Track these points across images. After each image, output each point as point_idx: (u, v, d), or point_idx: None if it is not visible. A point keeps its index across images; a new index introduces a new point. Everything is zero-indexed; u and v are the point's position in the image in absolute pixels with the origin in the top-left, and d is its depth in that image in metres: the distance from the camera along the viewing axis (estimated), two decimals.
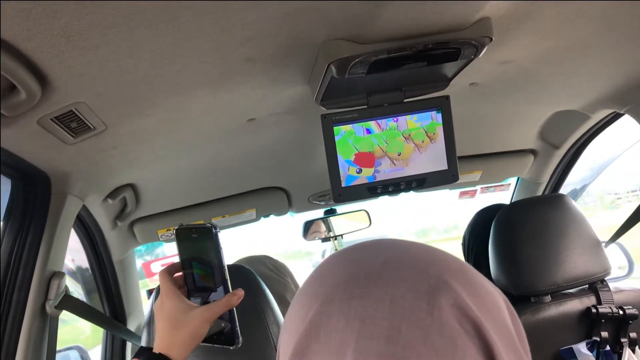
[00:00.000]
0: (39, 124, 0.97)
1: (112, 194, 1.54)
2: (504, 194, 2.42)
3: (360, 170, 1.28)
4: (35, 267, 1.24)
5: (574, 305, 1.48)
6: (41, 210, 1.25)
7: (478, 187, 2.36)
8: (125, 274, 1.98)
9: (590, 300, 1.48)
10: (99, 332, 2.03)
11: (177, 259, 0.93)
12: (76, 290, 2.14)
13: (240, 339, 0.88)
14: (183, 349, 0.84)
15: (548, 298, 1.47)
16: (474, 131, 1.79)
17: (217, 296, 0.88)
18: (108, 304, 1.92)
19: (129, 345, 2.05)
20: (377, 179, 1.29)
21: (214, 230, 0.84)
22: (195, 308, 0.85)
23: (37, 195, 1.24)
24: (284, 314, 1.31)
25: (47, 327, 1.31)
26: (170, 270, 0.90)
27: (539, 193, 2.27)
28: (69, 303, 1.35)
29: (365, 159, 1.28)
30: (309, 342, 0.44)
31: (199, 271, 0.89)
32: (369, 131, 1.27)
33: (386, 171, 1.30)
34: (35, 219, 1.24)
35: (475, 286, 0.46)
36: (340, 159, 1.27)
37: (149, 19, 0.76)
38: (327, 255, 2.12)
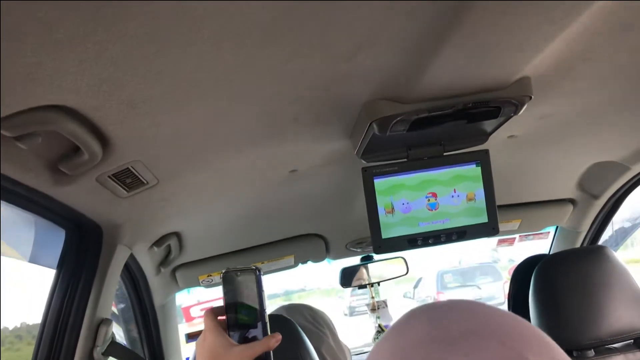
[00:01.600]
0: (97, 181, 1.02)
1: (158, 242, 1.59)
2: (542, 242, 2.40)
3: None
4: (85, 314, 1.29)
5: None
6: (92, 260, 1.30)
7: (517, 235, 2.34)
8: (165, 319, 2.02)
9: (635, 357, 1.45)
10: None
11: (216, 303, 0.95)
12: (117, 333, 2.18)
13: None
14: None
15: (591, 353, 1.45)
16: (512, 181, 1.79)
17: (257, 336, 0.90)
18: (148, 348, 1.95)
19: None
20: (418, 231, 1.31)
21: (257, 273, 0.87)
22: (236, 346, 0.86)
23: (89, 246, 1.29)
24: None
25: None
26: (215, 310, 0.93)
27: (579, 242, 2.24)
28: (115, 349, 1.39)
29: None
30: None
31: (241, 314, 0.91)
32: None
33: (426, 223, 1.31)
34: (87, 268, 1.29)
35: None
36: (382, 210, 1.29)
37: (204, 87, 0.81)
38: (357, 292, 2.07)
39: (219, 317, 0.91)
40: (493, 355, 0.42)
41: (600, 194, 1.95)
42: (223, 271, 0.92)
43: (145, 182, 1.12)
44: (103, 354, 1.34)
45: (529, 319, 1.53)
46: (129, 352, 1.49)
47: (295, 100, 0.96)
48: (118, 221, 1.30)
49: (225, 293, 0.92)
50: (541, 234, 2.35)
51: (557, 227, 2.35)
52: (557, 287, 1.48)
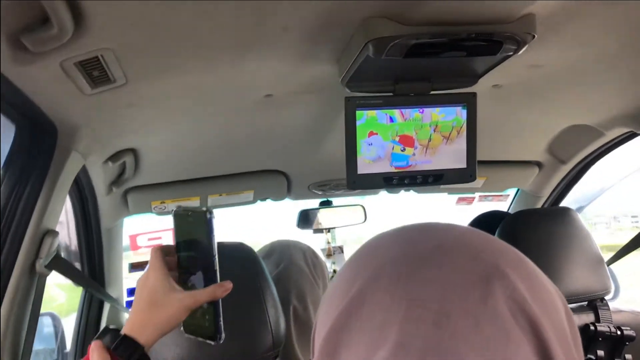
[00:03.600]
0: (61, 67, 0.91)
1: (114, 157, 1.49)
2: (500, 205, 2.41)
3: (404, 149, 1.25)
4: (30, 222, 1.18)
5: None
6: (43, 163, 1.19)
7: (477, 195, 2.34)
8: (110, 243, 1.92)
9: (588, 318, 1.47)
10: (73, 301, 1.98)
11: (167, 235, 0.89)
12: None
13: (223, 335, 0.84)
14: (154, 331, 0.80)
15: None
16: (484, 135, 1.76)
17: (205, 283, 0.84)
18: (89, 271, 1.86)
19: (104, 316, 1.99)
20: (395, 170, 1.26)
21: (207, 216, 0.81)
22: (178, 292, 0.81)
23: (41, 147, 1.18)
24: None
25: (35, 285, 1.26)
26: (164, 249, 0.86)
27: (538, 207, 2.26)
28: (59, 264, 1.30)
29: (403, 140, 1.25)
30: (349, 317, 0.43)
31: (191, 257, 0.85)
32: (392, 119, 1.24)
33: (412, 162, 1.27)
34: (36, 171, 1.18)
35: (534, 280, 0.43)
36: (360, 144, 1.23)
37: None
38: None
39: (168, 257, 0.85)
40: (468, 268, 0.42)
41: (568, 159, 1.96)
42: (173, 209, 0.85)
43: (112, 79, 1.01)
44: (46, 266, 1.25)
45: None
46: (73, 269, 1.40)
47: (287, 6, 0.88)
48: (76, 123, 1.19)
49: (176, 232, 0.86)
50: (500, 195, 2.36)
51: (517, 190, 2.36)
52: (520, 244, 1.48)
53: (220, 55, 1.06)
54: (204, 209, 0.82)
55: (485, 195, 2.34)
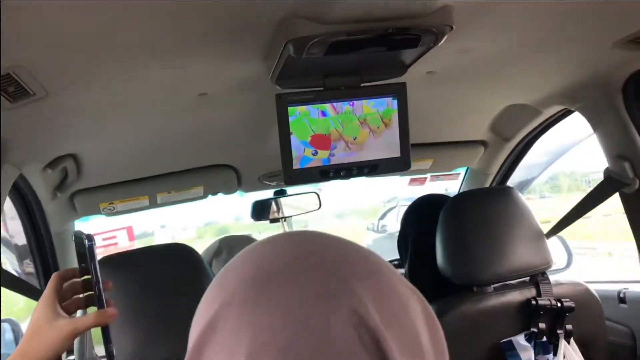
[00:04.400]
0: None
1: (52, 164, 1.47)
2: (452, 183, 2.45)
3: (316, 152, 1.26)
4: None
5: (515, 297, 1.51)
6: None
7: (428, 175, 2.37)
8: (64, 247, 1.91)
9: (530, 292, 1.51)
10: (32, 305, 1.96)
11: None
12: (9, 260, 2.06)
13: None
14: (36, 351, 0.78)
15: (490, 288, 1.50)
16: (427, 119, 1.79)
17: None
18: (44, 276, 1.85)
19: None
20: (331, 163, 1.27)
21: (84, 241, 0.80)
22: (61, 319, 0.79)
23: None
24: None
25: None
26: (64, 274, 0.85)
27: (487, 184, 2.30)
28: (2, 278, 1.29)
29: (321, 141, 1.26)
30: (206, 341, 0.43)
31: (87, 280, 0.86)
32: (324, 114, 1.25)
33: (340, 155, 1.28)
34: None
35: (384, 290, 0.44)
36: (295, 140, 1.24)
37: None
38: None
39: (73, 280, 0.84)
40: (316, 286, 0.42)
41: (511, 136, 2.00)
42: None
43: (31, 92, 1.00)
44: None
45: (431, 255, 1.56)
46: (15, 279, 1.39)
47: (202, 13, 0.88)
48: (2, 136, 1.17)
49: (77, 257, 0.86)
50: (451, 174, 2.39)
51: (467, 169, 2.40)
52: (464, 224, 1.52)
53: (145, 61, 1.05)
54: (84, 234, 0.81)
55: (436, 175, 2.37)
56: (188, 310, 1.17)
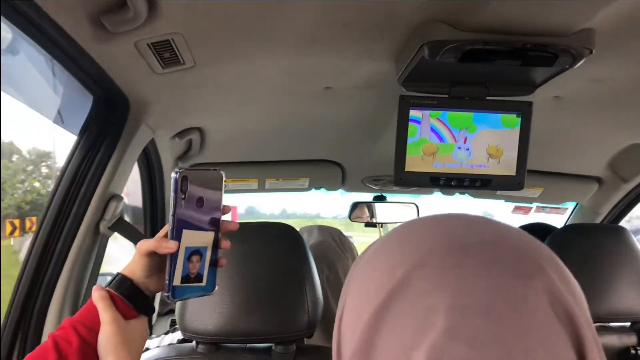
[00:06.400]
0: (135, 47, 1.00)
1: (181, 134, 1.58)
2: (558, 218, 2.37)
3: (430, 159, 1.28)
4: (99, 185, 1.29)
5: (612, 341, 1.45)
6: (115, 133, 1.29)
7: (534, 205, 2.31)
8: None
9: (630, 340, 1.45)
10: None
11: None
12: None
13: (169, 293, 0.85)
14: (130, 266, 0.89)
15: None
16: (544, 146, 1.75)
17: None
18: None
19: None
20: (443, 171, 1.29)
21: (172, 175, 0.83)
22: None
23: (114, 118, 1.28)
24: (328, 276, 1.34)
25: (97, 245, 1.37)
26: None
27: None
28: (121, 225, 1.40)
29: (436, 149, 1.28)
30: (393, 301, 0.44)
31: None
32: (440, 139, 1.27)
33: (453, 165, 1.29)
34: (108, 140, 1.28)
35: (567, 276, 0.46)
36: (411, 143, 1.27)
37: None
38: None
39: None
40: (511, 263, 0.44)
41: (630, 178, 1.91)
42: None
43: (182, 61, 1.09)
44: (109, 228, 1.35)
45: None
46: (134, 231, 1.50)
47: (349, 5, 0.93)
48: (147, 99, 1.28)
49: None
50: (558, 208, 2.32)
51: (576, 205, 2.31)
52: (568, 257, 1.46)
53: (284, 47, 1.12)
54: (177, 168, 0.84)
55: (542, 207, 2.31)
56: (287, 287, 1.22)
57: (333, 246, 1.73)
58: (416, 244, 0.47)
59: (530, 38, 0.99)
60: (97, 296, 0.85)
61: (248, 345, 1.26)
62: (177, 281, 0.85)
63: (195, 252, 0.87)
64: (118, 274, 0.89)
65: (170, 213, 0.83)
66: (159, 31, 0.96)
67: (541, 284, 0.43)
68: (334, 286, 1.67)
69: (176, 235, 0.83)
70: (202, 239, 0.87)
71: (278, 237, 1.25)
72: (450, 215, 0.52)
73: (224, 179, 0.88)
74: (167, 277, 0.84)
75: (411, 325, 0.42)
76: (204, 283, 0.89)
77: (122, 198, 1.38)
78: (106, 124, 1.28)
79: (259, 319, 1.18)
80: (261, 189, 2.10)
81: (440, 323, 0.41)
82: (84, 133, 1.28)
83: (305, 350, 1.26)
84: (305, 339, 1.24)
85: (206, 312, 1.17)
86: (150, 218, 1.93)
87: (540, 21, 0.94)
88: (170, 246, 0.82)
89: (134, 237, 1.44)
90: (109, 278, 0.91)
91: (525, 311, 0.41)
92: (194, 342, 1.25)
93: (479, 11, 0.91)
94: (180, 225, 0.83)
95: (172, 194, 0.82)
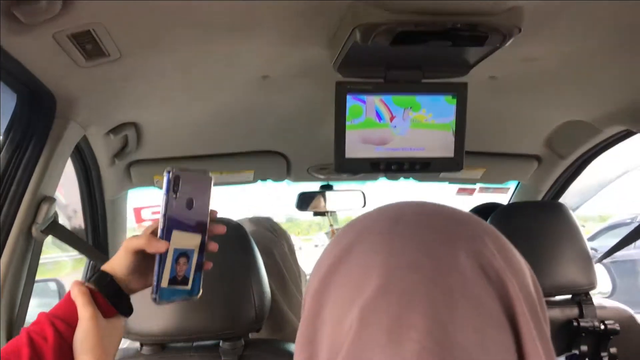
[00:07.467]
0: (54, 39, 0.95)
1: (115, 130, 1.53)
2: (501, 197, 2.41)
3: (369, 144, 1.27)
4: (28, 188, 1.23)
5: (555, 314, 1.49)
6: (42, 132, 1.23)
7: (477, 186, 2.35)
8: (114, 215, 1.97)
9: (572, 312, 1.49)
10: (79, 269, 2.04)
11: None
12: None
13: (156, 295, 0.85)
14: (112, 263, 0.87)
15: None
16: (483, 127, 1.78)
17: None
18: (93, 241, 1.91)
19: None
20: (382, 156, 1.29)
21: (165, 175, 0.83)
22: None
23: (40, 116, 1.22)
24: (267, 265, 1.33)
25: (31, 250, 1.31)
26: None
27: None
28: (55, 229, 1.34)
29: (374, 134, 1.27)
30: (338, 265, 0.48)
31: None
32: (379, 117, 1.26)
33: (392, 149, 1.29)
34: (35, 139, 1.22)
35: (506, 249, 0.49)
36: (349, 129, 1.26)
37: None
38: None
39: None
40: (447, 230, 0.47)
41: (567, 154, 1.96)
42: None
43: (106, 52, 1.05)
44: (42, 231, 1.29)
45: None
46: (70, 234, 1.44)
47: None
48: (74, 94, 1.23)
49: None
50: (501, 188, 2.36)
51: (518, 183, 2.36)
52: (510, 234, 1.49)
53: (215, 35, 1.09)
54: (168, 169, 0.84)
55: (485, 187, 2.35)
56: (232, 282, 1.20)
57: (267, 234, 1.73)
58: (359, 223, 0.52)
59: (460, 17, 0.99)
60: (77, 291, 0.83)
61: (195, 343, 1.24)
62: (164, 283, 0.84)
63: (182, 254, 0.86)
64: (98, 269, 0.86)
65: (162, 212, 0.82)
66: (77, 22, 0.91)
67: (472, 247, 0.46)
68: (272, 270, 1.64)
69: (166, 235, 0.83)
70: (191, 241, 0.87)
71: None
72: (397, 202, 0.55)
73: (212, 181, 0.88)
74: (155, 278, 0.84)
75: (351, 284, 0.46)
76: (189, 287, 0.88)
77: (54, 200, 1.32)
78: (32, 122, 1.22)
79: (205, 316, 1.16)
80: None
81: (374, 281, 0.44)
82: (8, 133, 1.22)
83: (254, 344, 1.24)
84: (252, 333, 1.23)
85: (150, 312, 1.14)
86: (91, 221, 1.87)
87: (469, 1, 0.95)
88: (160, 246, 0.82)
89: (70, 240, 1.39)
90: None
91: (454, 270, 0.44)
92: (138, 344, 1.22)
93: None
94: (171, 226, 0.83)
95: (164, 193, 0.82)
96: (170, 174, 0.82)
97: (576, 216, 1.60)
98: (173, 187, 0.82)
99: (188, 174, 0.84)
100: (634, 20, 1.06)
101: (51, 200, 1.30)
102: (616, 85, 1.41)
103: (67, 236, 1.39)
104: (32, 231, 1.28)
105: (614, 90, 1.44)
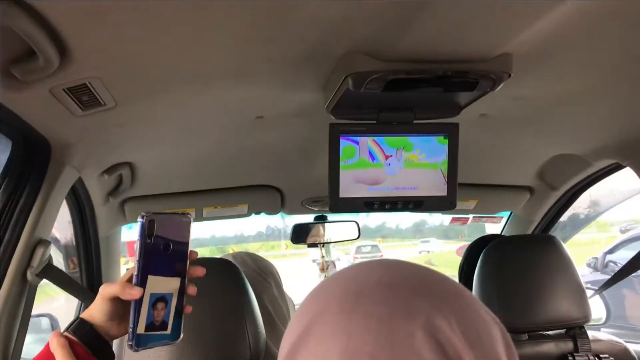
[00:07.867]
0: (51, 93, 0.96)
1: (109, 170, 1.54)
2: (494, 227, 2.43)
3: (363, 184, 1.29)
4: (23, 232, 1.23)
5: (550, 348, 1.49)
6: (37, 177, 1.24)
7: (470, 216, 2.37)
8: (108, 251, 1.97)
9: (567, 346, 1.49)
10: (73, 303, 2.02)
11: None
12: (57, 259, 2.13)
13: (132, 342, 0.82)
14: (91, 310, 0.86)
15: (525, 337, 1.48)
16: (475, 160, 1.80)
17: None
18: (87, 277, 1.91)
19: None
20: (376, 195, 1.30)
21: (139, 219, 0.81)
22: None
23: (35, 162, 1.23)
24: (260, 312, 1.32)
25: (25, 293, 1.30)
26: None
27: (530, 231, 2.28)
28: (50, 272, 1.34)
29: (368, 174, 1.29)
30: (299, 347, 0.48)
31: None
32: (372, 157, 1.28)
33: (386, 189, 1.30)
34: (30, 184, 1.23)
35: (468, 313, 0.48)
36: (343, 169, 1.27)
37: (178, 5, 0.76)
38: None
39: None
40: (403, 303, 0.46)
41: (559, 186, 1.98)
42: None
43: (102, 102, 1.06)
44: (37, 275, 1.29)
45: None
46: (65, 277, 1.44)
47: (270, 40, 0.92)
48: (69, 140, 1.24)
49: None
50: (494, 217, 2.38)
51: (511, 213, 2.38)
52: (503, 269, 1.51)
53: (209, 82, 1.10)
54: (143, 214, 0.81)
55: (479, 217, 2.36)
56: (227, 322, 1.20)
57: (253, 276, 1.68)
58: (321, 294, 0.52)
59: (451, 65, 1.01)
60: (56, 343, 0.81)
61: None
62: (141, 329, 0.82)
63: (160, 299, 0.83)
64: (78, 317, 0.85)
65: (135, 258, 0.80)
66: (74, 77, 0.92)
67: (431, 323, 0.45)
68: (263, 317, 1.60)
69: (141, 282, 0.80)
70: (168, 285, 0.84)
71: (216, 273, 1.23)
72: (356, 264, 0.55)
73: (191, 223, 0.86)
74: (130, 325, 0.81)
75: None
76: (168, 331, 0.86)
77: (49, 243, 1.32)
78: (28, 167, 1.23)
79: (199, 358, 1.15)
80: (199, 218, 2.07)
81: None
82: (4, 177, 1.23)
83: None
84: None
85: (143, 355, 1.14)
86: (85, 258, 1.87)
87: (460, 48, 0.96)
88: (134, 293, 0.79)
89: (64, 283, 1.39)
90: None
91: (411, 350, 0.43)
92: None
93: (400, 41, 0.92)
94: (146, 271, 0.80)
95: (138, 239, 0.79)
96: (145, 218, 0.80)
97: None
98: (147, 232, 0.80)
99: (164, 217, 0.82)
100: (613, 66, 1.09)
101: (46, 243, 1.30)
102: (603, 121, 1.44)
103: (61, 279, 1.39)
104: (27, 275, 1.28)
105: (603, 125, 1.46)
